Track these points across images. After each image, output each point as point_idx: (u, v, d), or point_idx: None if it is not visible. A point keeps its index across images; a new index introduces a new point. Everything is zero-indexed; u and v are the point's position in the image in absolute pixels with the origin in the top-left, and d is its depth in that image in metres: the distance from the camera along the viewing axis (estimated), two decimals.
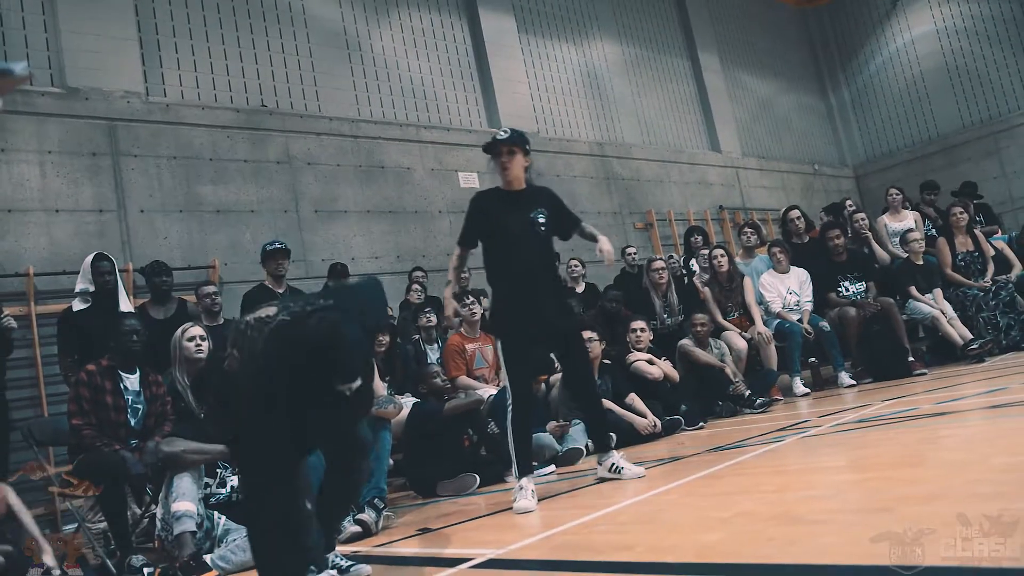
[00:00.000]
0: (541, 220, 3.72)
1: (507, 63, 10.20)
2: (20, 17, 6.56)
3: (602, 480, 3.80)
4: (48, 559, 2.80)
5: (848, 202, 8.59)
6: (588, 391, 3.94)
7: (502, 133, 3.79)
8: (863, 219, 7.59)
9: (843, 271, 6.96)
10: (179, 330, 4.54)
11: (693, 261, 7.81)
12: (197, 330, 4.52)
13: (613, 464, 3.77)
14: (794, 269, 6.98)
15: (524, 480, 3.51)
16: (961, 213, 7.39)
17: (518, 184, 3.81)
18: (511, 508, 3.43)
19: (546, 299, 3.72)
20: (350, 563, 2.58)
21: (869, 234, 7.51)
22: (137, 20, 7.19)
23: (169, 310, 5.39)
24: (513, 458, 3.61)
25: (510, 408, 3.63)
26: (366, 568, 2.59)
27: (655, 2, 13.05)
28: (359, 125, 8.51)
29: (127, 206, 6.71)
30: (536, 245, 3.73)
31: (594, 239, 3.84)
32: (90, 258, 5.13)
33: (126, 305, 5.13)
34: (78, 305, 5.04)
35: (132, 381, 4.16)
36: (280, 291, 5.62)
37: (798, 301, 6.85)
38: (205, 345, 4.50)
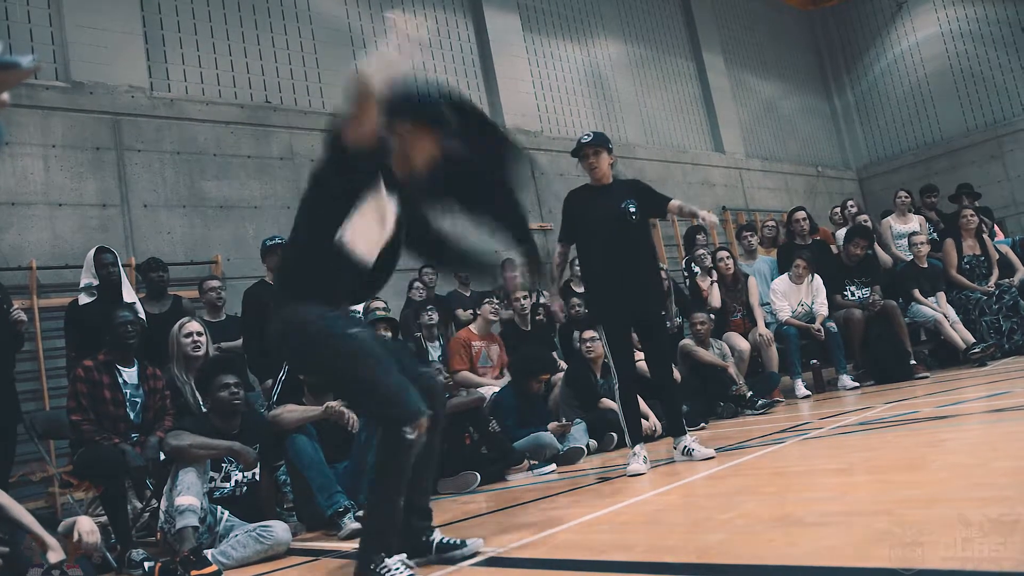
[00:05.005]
0: (632, 209, 4.04)
1: (511, 62, 10.19)
2: (25, 11, 6.56)
3: (675, 462, 4.04)
4: (54, 556, 2.78)
5: (850, 203, 8.57)
6: (664, 375, 4.24)
7: (586, 136, 4.15)
8: (865, 220, 7.60)
9: (851, 275, 6.94)
10: (176, 325, 4.51)
11: (694, 262, 7.80)
12: (194, 326, 4.50)
13: (685, 447, 4.03)
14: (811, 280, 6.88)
15: (637, 447, 3.96)
16: (972, 216, 7.37)
17: (606, 180, 4.15)
18: (626, 474, 3.81)
19: (636, 283, 4.05)
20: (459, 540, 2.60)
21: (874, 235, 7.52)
22: (142, 15, 7.18)
23: (164, 305, 5.38)
24: (625, 429, 4.05)
25: (617, 387, 4.06)
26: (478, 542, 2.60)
27: (660, 3, 13.03)
28: None
29: (130, 201, 6.71)
30: (628, 233, 4.05)
31: (693, 215, 4.12)
32: (92, 251, 5.12)
33: (130, 296, 5.12)
34: (84, 299, 5.03)
35: (130, 375, 4.14)
36: None
37: (810, 309, 6.80)
38: (203, 340, 4.49)
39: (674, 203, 4.17)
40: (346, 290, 2.59)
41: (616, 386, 4.08)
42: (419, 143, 2.64)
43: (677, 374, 6.09)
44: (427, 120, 2.66)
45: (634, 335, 4.31)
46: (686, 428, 4.15)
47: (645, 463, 3.87)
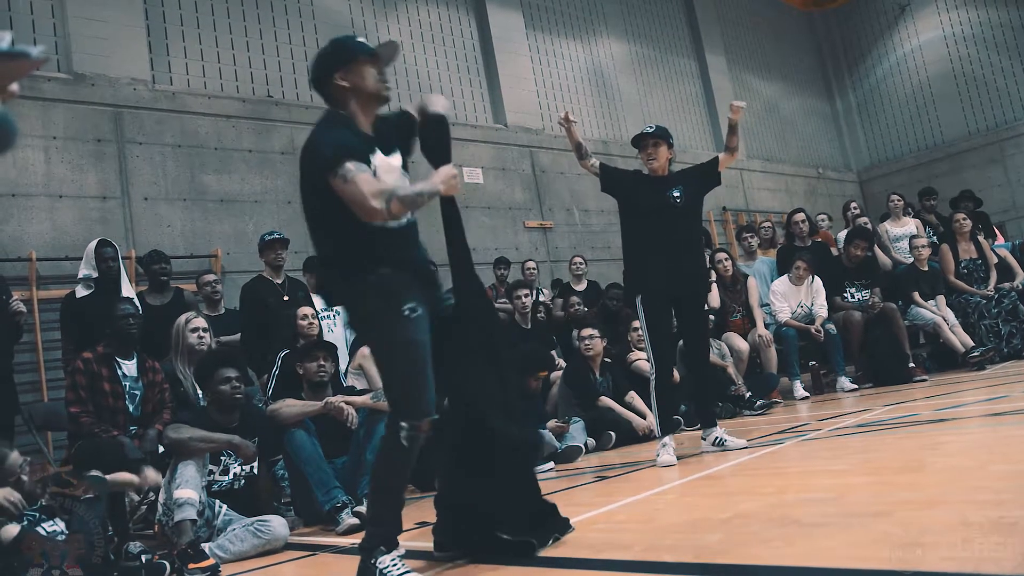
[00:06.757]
0: (676, 195, 4.12)
1: (514, 60, 10.18)
2: (28, 2, 6.55)
3: (705, 452, 4.08)
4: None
5: (853, 205, 8.58)
6: (700, 358, 4.29)
7: (649, 128, 4.27)
8: (866, 223, 7.61)
9: (851, 277, 6.94)
10: (182, 318, 4.51)
11: None
12: (201, 322, 4.50)
13: (717, 437, 4.08)
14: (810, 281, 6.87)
15: (667, 438, 3.96)
16: (964, 219, 7.38)
17: (662, 172, 4.24)
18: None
19: (680, 265, 4.08)
20: None
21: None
22: (145, 8, 7.17)
23: (166, 297, 5.38)
24: (656, 417, 4.05)
25: (654, 376, 4.07)
26: None
27: (663, 2, 13.02)
28: None
29: (131, 193, 6.70)
30: (677, 221, 4.11)
31: (732, 129, 4.41)
32: (93, 244, 5.12)
33: (128, 291, 5.12)
34: (81, 291, 5.03)
35: (129, 367, 4.14)
36: (278, 282, 5.58)
37: (809, 310, 6.80)
38: (207, 337, 4.49)
39: (722, 156, 4.35)
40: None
41: (652, 375, 4.10)
42: None
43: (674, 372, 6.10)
44: None
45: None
46: (680, 426, 4.17)
47: (674, 454, 3.90)
